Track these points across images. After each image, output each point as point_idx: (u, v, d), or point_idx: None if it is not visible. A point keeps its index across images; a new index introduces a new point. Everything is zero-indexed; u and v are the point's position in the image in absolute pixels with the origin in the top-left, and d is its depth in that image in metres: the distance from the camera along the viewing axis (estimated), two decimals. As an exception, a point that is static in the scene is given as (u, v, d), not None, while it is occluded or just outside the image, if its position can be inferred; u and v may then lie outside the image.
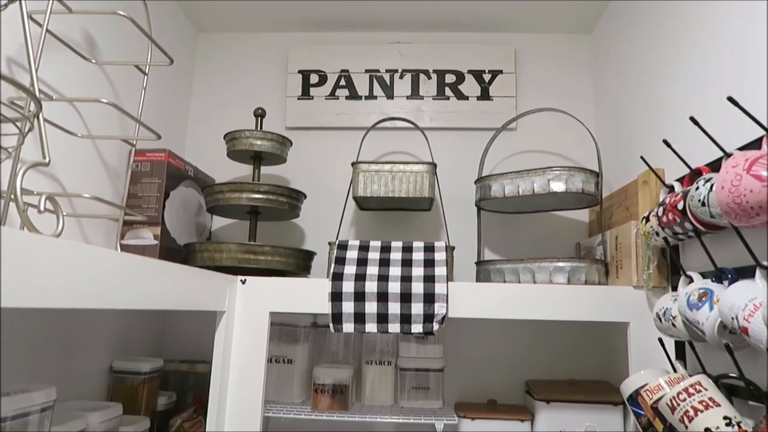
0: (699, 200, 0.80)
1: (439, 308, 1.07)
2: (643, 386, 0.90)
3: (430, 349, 1.31)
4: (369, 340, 1.34)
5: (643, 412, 0.94)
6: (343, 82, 1.58)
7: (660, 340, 0.95)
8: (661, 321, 0.92)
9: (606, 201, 1.32)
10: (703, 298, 0.80)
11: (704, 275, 0.88)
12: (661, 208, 0.92)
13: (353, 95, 1.57)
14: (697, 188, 0.81)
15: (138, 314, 1.35)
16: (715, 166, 0.88)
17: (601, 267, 1.18)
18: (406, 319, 1.07)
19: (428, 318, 1.07)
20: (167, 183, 1.22)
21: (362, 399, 1.31)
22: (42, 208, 0.57)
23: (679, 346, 1.00)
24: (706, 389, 0.76)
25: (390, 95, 1.57)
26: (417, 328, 1.07)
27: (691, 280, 0.88)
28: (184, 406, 1.31)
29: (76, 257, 0.58)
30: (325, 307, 1.09)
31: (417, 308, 1.07)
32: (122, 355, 1.24)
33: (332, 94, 1.58)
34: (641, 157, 1.02)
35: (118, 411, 1.03)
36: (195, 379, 1.36)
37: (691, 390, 0.76)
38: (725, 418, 0.72)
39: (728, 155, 0.75)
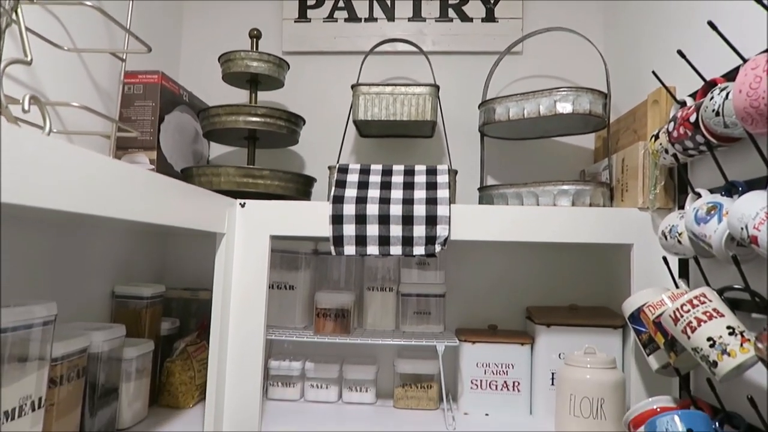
0: (713, 110, 0.77)
1: (441, 230, 1.06)
2: (645, 303, 0.90)
3: (431, 275, 1.31)
4: (370, 267, 1.33)
5: (644, 329, 0.94)
6: (341, 3, 1.51)
7: (664, 258, 0.94)
8: (666, 239, 0.91)
9: (613, 126, 1.28)
10: (712, 212, 0.78)
11: (713, 191, 0.86)
12: (671, 123, 0.89)
13: (352, 17, 1.51)
14: (712, 98, 0.77)
15: (138, 240, 1.34)
16: (731, 76, 0.84)
17: (606, 190, 1.16)
18: (407, 241, 1.06)
19: (430, 240, 1.06)
20: (161, 106, 1.19)
21: (364, 325, 1.33)
22: (26, 107, 0.54)
23: (683, 266, 1.00)
24: (710, 300, 0.75)
25: (391, 17, 1.51)
26: (419, 250, 1.06)
27: (699, 196, 0.87)
28: (188, 331, 1.32)
29: (68, 158, 0.56)
30: (325, 231, 1.08)
31: (419, 231, 1.06)
32: (123, 282, 1.24)
33: (330, 17, 1.51)
34: (653, 72, 0.98)
35: (121, 332, 1.03)
36: (198, 306, 1.37)
37: (695, 302, 0.75)
38: (728, 327, 0.72)
39: (746, 60, 0.71)
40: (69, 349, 0.87)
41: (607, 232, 1.06)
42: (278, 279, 1.30)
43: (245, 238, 1.09)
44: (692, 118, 0.83)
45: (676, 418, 0.77)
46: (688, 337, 0.75)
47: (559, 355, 1.23)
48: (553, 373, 1.23)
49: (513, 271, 1.43)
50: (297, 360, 1.32)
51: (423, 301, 1.30)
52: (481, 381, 1.26)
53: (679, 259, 1.00)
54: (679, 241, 0.88)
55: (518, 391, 1.26)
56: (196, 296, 1.37)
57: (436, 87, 1.24)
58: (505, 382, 1.26)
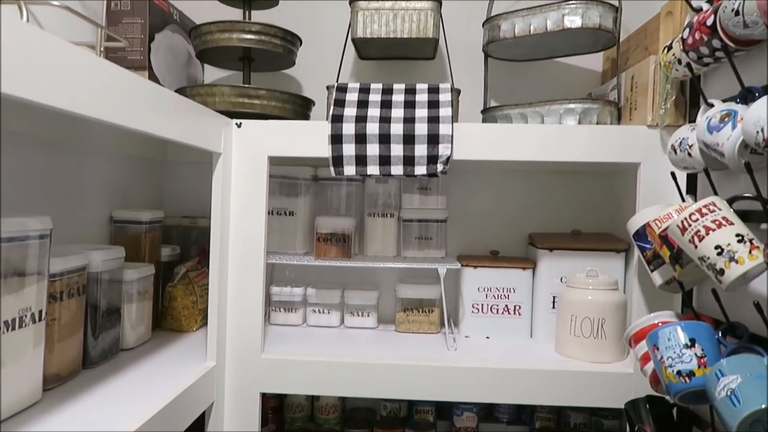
0: (732, 9, 0.73)
1: (443, 149, 1.03)
2: (652, 219, 0.88)
3: (432, 200, 1.29)
4: (371, 193, 1.32)
5: (648, 246, 0.93)
6: None
7: (672, 174, 0.92)
8: (675, 153, 0.88)
9: (623, 45, 1.23)
10: (726, 119, 0.75)
11: (726, 102, 0.83)
12: (686, 30, 0.85)
13: (350, -69, 1.42)
14: (732, -4, 0.73)
15: (136, 168, 1.32)
16: (753, -25, 0.79)
17: (613, 109, 1.12)
18: (409, 161, 1.04)
19: (432, 160, 1.03)
20: (151, 23, 1.13)
21: (365, 251, 1.32)
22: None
23: (691, 182, 0.98)
24: (719, 209, 0.73)
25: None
26: (420, 170, 1.04)
27: (711, 107, 0.83)
28: (188, 258, 1.31)
29: (66, 56, 0.53)
30: (325, 151, 1.05)
31: (420, 150, 1.03)
32: (121, 208, 1.23)
33: (327, -69, 1.42)
34: (669, -22, 0.93)
35: (120, 253, 1.02)
36: (197, 234, 1.36)
37: (704, 210, 0.74)
38: (737, 235, 0.71)
39: (774, -50, 0.66)
40: (67, 265, 0.86)
41: (613, 150, 1.04)
42: (278, 205, 1.29)
43: (242, 160, 1.06)
44: (709, 22, 0.79)
45: (679, 329, 0.77)
46: (695, 247, 0.73)
47: (561, 279, 1.23)
48: (554, 297, 1.23)
49: (515, 198, 1.41)
50: (299, 286, 1.32)
51: (424, 227, 1.29)
52: (482, 305, 1.27)
53: (687, 176, 0.98)
54: (689, 154, 0.85)
55: (519, 314, 1.26)
56: (196, 224, 1.36)
57: (439, 2, 1.18)
58: (506, 306, 1.26)
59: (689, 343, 0.75)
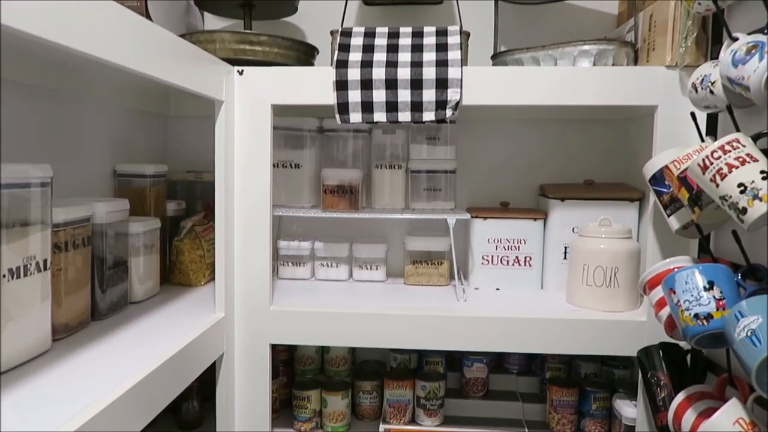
0: (764, -70, 0.68)
1: (452, 94, 0.99)
2: (670, 161, 0.85)
3: (441, 151, 1.26)
4: (378, 144, 1.28)
5: (666, 189, 0.90)
6: None
7: (692, 114, 0.88)
8: (696, 91, 0.84)
9: (640, -17, 1.17)
10: (752, 51, 0.71)
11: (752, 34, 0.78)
12: (712, -42, 0.80)
13: None
14: None
15: (138, 121, 1.29)
16: None
17: (630, 51, 1.07)
18: (417, 106, 1.00)
19: (441, 105, 1.00)
20: (147, -32, 1.09)
21: (372, 204, 1.30)
22: None
23: (711, 123, 0.94)
24: (743, 146, 0.70)
25: None
26: (429, 115, 1.00)
27: (736, 41, 0.79)
28: (194, 213, 1.30)
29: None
30: (329, 98, 1.02)
31: (429, 95, 0.99)
32: (125, 162, 1.21)
33: None
34: None
35: (124, 205, 1.01)
36: (203, 189, 1.34)
37: (727, 147, 0.70)
38: (762, 172, 0.67)
39: None
40: (71, 216, 0.84)
41: (630, 92, 0.99)
42: (283, 158, 1.26)
43: (245, 109, 1.03)
44: (738, -54, 0.74)
45: (697, 272, 0.75)
46: (717, 185, 0.70)
47: (573, 229, 1.21)
48: (566, 248, 1.21)
49: (526, 148, 1.37)
50: (306, 240, 1.31)
51: (433, 178, 1.26)
52: (492, 257, 1.25)
53: (708, 117, 0.94)
54: (711, 92, 0.81)
55: (530, 266, 1.25)
56: (201, 178, 1.34)
57: (447, -60, 1.12)
58: (516, 257, 1.25)
59: (707, 286, 0.73)
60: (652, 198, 1.01)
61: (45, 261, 0.76)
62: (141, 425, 0.71)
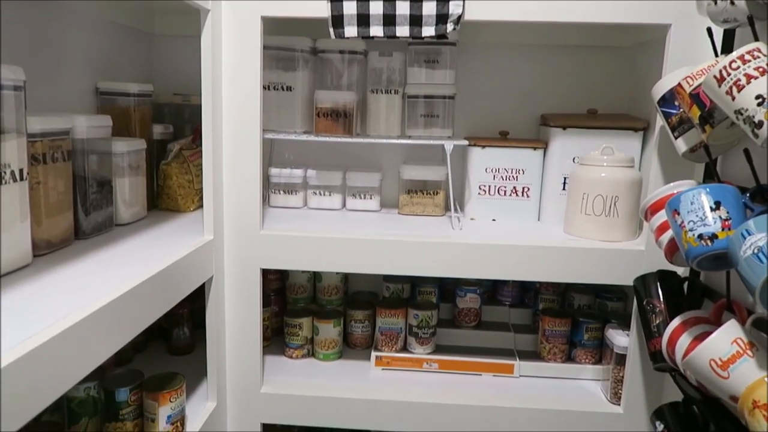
0: None
1: (454, 7, 0.93)
2: (683, 77, 0.80)
3: (440, 75, 1.20)
4: (374, 68, 1.22)
5: (675, 111, 0.86)
6: None
7: (708, 30, 0.83)
8: (716, 3, 0.79)
9: None
10: (781, -48, 0.65)
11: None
12: None
13: None
14: None
15: (122, 38, 1.22)
16: None
17: (644, -35, 1.01)
18: (416, 20, 0.94)
19: (442, 19, 0.94)
20: None
21: (367, 131, 1.25)
22: None
23: (727, 42, 0.89)
24: (765, 55, 0.66)
25: None
26: (429, 30, 0.95)
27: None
28: (182, 137, 1.25)
29: None
30: (323, 10, 0.95)
31: (429, 7, 0.93)
32: (107, 80, 1.14)
33: None
34: None
35: (106, 122, 0.96)
36: (191, 112, 1.29)
37: (747, 57, 0.66)
38: (783, 83, 0.64)
39: None
40: (48, 126, 0.80)
41: (643, 9, 0.94)
42: (275, 80, 1.20)
43: (234, 20, 0.97)
44: None
45: (703, 192, 0.72)
46: (733, 99, 0.66)
47: (573, 159, 1.17)
48: (565, 178, 1.18)
49: (528, 76, 1.32)
50: (299, 168, 1.27)
51: (431, 104, 1.21)
52: (489, 187, 1.22)
53: (724, 34, 0.89)
54: (732, 2, 0.76)
55: (527, 197, 1.22)
56: (188, 101, 1.28)
57: None
58: (514, 187, 1.22)
59: (714, 206, 0.71)
60: (658, 125, 0.97)
61: (21, 171, 0.72)
62: (125, 339, 0.69)
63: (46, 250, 0.82)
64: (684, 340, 0.81)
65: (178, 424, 0.92)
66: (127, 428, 0.91)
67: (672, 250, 0.83)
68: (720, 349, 0.69)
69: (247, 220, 1.03)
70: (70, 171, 0.87)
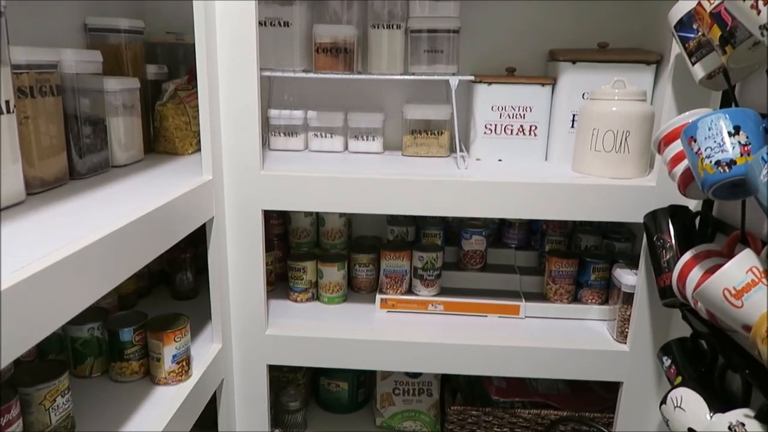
0: None
1: (459, -73, 0.87)
2: None
3: (444, 7, 1.15)
4: (375, 2, 1.17)
5: (692, 35, 0.82)
6: None
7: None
8: None
9: None
10: None
11: None
12: None
13: None
14: None
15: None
16: None
17: None
18: (419, -58, 0.88)
19: (446, -60, 0.88)
20: None
21: (369, 69, 1.20)
22: None
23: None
24: (795, -36, 0.61)
25: None
26: (432, -47, 0.89)
27: None
28: (177, 77, 1.21)
29: None
30: (320, -67, 0.90)
31: (433, -72, 0.87)
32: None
33: None
34: None
35: (96, 57, 0.92)
36: (185, 52, 1.24)
37: (776, -34, 0.61)
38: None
39: None
40: (33, 57, 0.76)
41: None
42: (271, 15, 1.15)
43: (225, -54, 0.91)
44: None
45: (722, 116, 0.68)
46: (758, 12, 0.62)
47: (583, 95, 1.13)
48: (574, 115, 1.14)
49: (536, 10, 1.25)
50: (299, 110, 1.23)
51: (434, 39, 1.15)
52: (495, 125, 1.18)
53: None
54: None
55: (534, 135, 1.18)
56: (182, 40, 1.23)
57: None
58: (521, 126, 1.18)
59: (733, 131, 0.67)
60: (673, 53, 0.93)
61: (8, 103, 0.69)
62: (125, 274, 0.68)
63: (40, 188, 0.79)
64: (695, 274, 0.79)
65: (184, 363, 0.91)
66: (133, 368, 0.91)
67: (686, 182, 0.80)
68: (734, 278, 0.67)
69: (246, 160, 1.00)
70: (60, 108, 0.84)
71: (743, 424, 0.69)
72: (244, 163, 1.01)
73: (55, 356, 0.92)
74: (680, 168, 0.80)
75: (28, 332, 0.51)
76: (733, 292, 0.66)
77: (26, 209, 0.71)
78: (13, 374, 0.78)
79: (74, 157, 0.88)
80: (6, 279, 0.48)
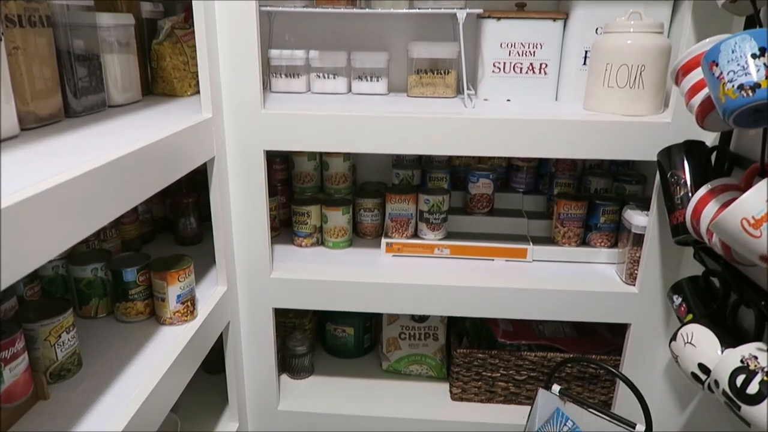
0: None
1: None
2: None
3: (452, -64, 1.09)
4: (378, -68, 1.11)
5: (717, -46, 0.77)
6: None
7: None
8: None
9: None
10: None
11: None
12: None
13: None
14: None
15: None
16: None
17: None
18: None
19: None
20: None
21: (372, 4, 1.15)
22: None
23: None
24: None
25: None
26: None
27: None
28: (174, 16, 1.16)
29: None
30: None
31: None
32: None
33: None
34: None
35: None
36: (181, -11, 1.19)
37: None
38: None
39: None
40: (19, -17, 0.72)
41: None
42: (269, -54, 1.10)
43: None
44: None
45: (747, 37, 0.64)
46: None
47: (596, 30, 1.08)
48: (586, 51, 1.09)
49: (549, -60, 1.19)
50: (300, 49, 1.19)
51: (441, -29, 1.10)
52: (504, 64, 1.14)
53: None
54: None
55: (545, 74, 1.14)
56: (178, -24, 1.18)
57: None
58: (531, 64, 1.13)
59: (758, 53, 0.63)
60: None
61: (-6, 30, 0.66)
62: (120, 208, 0.66)
63: (34, 124, 0.77)
64: (711, 208, 0.76)
65: (189, 303, 0.91)
66: (138, 308, 0.90)
67: (705, 112, 0.76)
68: (753, 208, 0.64)
69: (246, 98, 0.97)
70: (52, 43, 0.80)
71: (756, 357, 0.68)
72: (244, 102, 0.98)
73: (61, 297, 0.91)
74: (699, 98, 0.77)
75: (26, 255, 0.49)
76: (752, 221, 0.64)
77: (20, 142, 0.69)
78: (18, 311, 0.78)
79: (69, 97, 0.85)
80: (7, 198, 0.46)
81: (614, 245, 1.17)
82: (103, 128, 0.81)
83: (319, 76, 1.20)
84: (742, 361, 0.69)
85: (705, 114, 0.77)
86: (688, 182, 0.86)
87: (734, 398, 0.68)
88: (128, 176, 0.67)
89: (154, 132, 0.77)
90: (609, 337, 1.25)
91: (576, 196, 1.20)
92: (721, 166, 0.89)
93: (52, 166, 0.59)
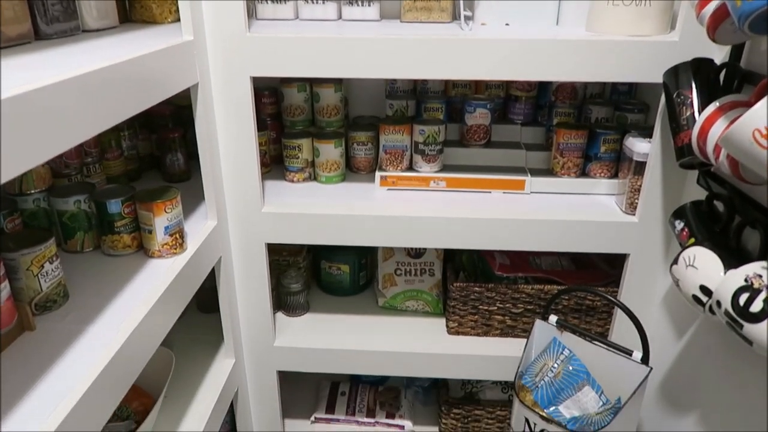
0: None
1: None
2: None
3: None
4: None
5: None
6: None
7: None
8: None
9: None
10: None
11: None
12: None
13: None
14: None
15: None
16: None
17: None
18: None
19: None
20: None
21: None
22: None
23: None
24: None
25: None
26: None
27: None
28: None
29: None
30: None
31: None
32: None
33: None
34: None
35: None
36: None
37: None
38: None
39: None
40: None
41: None
42: None
43: None
44: None
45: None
46: None
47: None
48: (590, -31, 1.03)
49: None
50: (286, -28, 1.12)
51: None
52: (503, -16, 1.07)
53: None
54: None
55: (546, -5, 1.08)
56: None
57: None
58: (531, -16, 1.07)
59: (779, -51, 0.59)
60: None
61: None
62: (95, 127, 0.62)
63: (2, 43, 0.72)
64: (719, 126, 0.73)
65: (177, 236, 0.88)
66: (125, 241, 0.88)
67: (717, 22, 0.72)
68: (765, 119, 0.61)
69: (230, 21, 0.92)
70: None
71: (760, 276, 0.67)
72: (227, 24, 0.92)
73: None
74: (711, 7, 0.72)
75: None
76: (764, 132, 0.60)
77: (-14, 59, 0.65)
78: (-2, 242, 0.75)
79: (40, 23, 0.80)
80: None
81: (614, 176, 1.14)
82: (76, 48, 0.76)
83: (307, 2, 1.14)
84: (746, 280, 0.67)
85: (717, 24, 0.72)
86: (695, 102, 0.82)
87: (737, 317, 0.67)
88: (105, 92, 0.63)
89: (129, 52, 0.73)
90: (607, 270, 1.24)
91: (576, 125, 1.16)
92: (731, 84, 0.85)
93: (22, 77, 0.55)
